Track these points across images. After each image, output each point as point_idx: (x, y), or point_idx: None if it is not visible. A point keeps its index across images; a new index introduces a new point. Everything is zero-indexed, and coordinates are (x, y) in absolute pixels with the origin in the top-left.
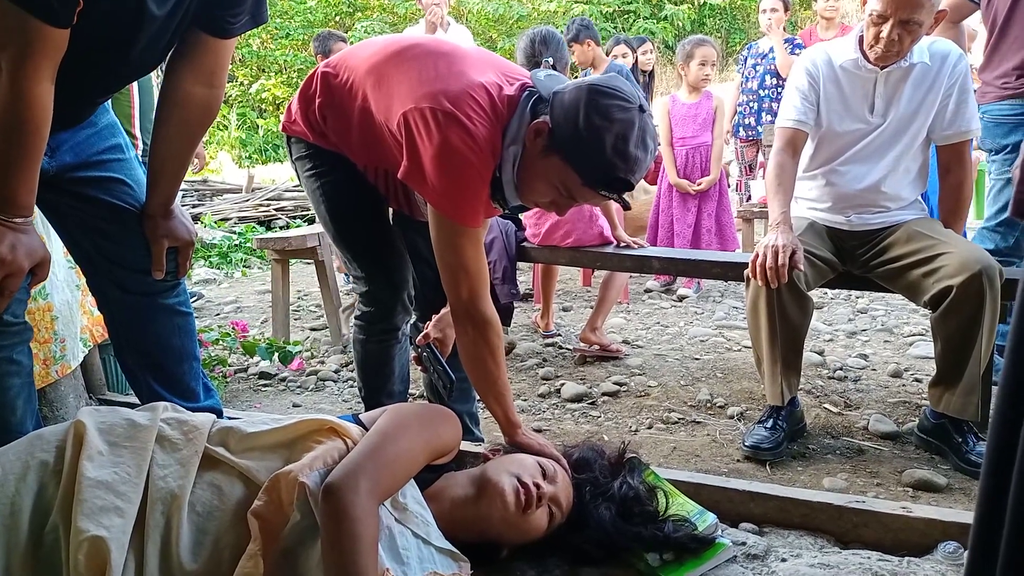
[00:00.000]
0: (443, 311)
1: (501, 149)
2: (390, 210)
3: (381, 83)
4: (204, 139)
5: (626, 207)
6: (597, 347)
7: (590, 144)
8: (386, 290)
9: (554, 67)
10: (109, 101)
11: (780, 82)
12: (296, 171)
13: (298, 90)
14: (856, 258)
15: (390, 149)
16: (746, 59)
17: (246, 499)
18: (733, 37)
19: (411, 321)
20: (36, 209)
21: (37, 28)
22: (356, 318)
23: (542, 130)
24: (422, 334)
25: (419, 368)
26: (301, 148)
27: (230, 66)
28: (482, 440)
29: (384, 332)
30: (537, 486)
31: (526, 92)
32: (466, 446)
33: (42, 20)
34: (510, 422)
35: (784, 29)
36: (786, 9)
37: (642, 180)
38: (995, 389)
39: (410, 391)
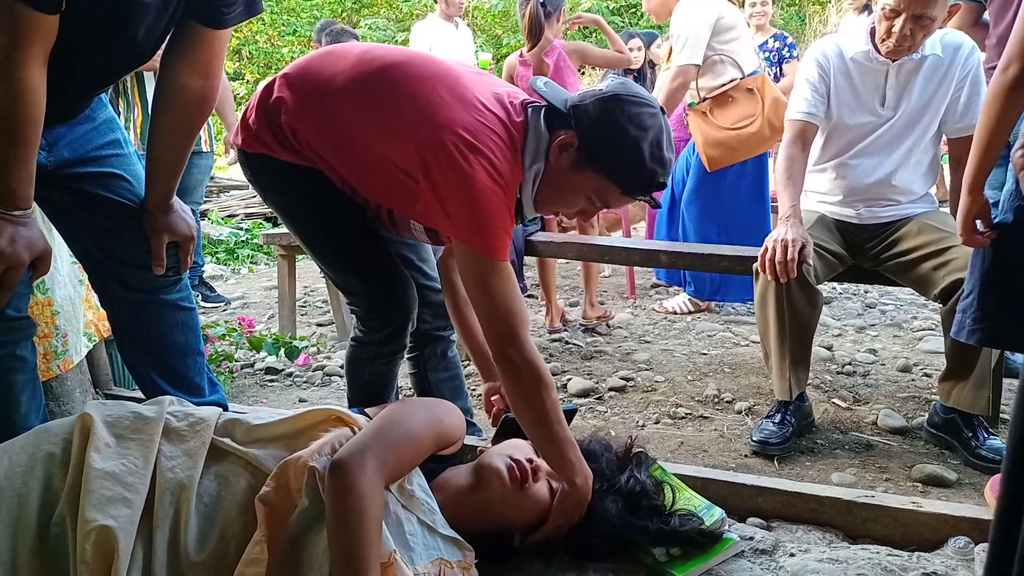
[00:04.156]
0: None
1: (522, 175)
2: None
3: (370, 104)
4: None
5: (655, 207)
6: (602, 318)
7: (630, 156)
8: (397, 308)
9: (544, 6)
10: (105, 95)
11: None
12: (265, 195)
13: (253, 103)
14: (866, 252)
15: (382, 176)
16: None
17: (253, 489)
18: None
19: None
20: (36, 204)
21: (25, 14)
22: (360, 341)
23: (570, 144)
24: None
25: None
26: (269, 167)
27: (237, 64)
28: (481, 433)
29: (394, 352)
30: (530, 460)
31: (530, 108)
32: (470, 440)
33: (29, 6)
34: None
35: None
36: (772, 1)
37: None
38: (1008, 384)
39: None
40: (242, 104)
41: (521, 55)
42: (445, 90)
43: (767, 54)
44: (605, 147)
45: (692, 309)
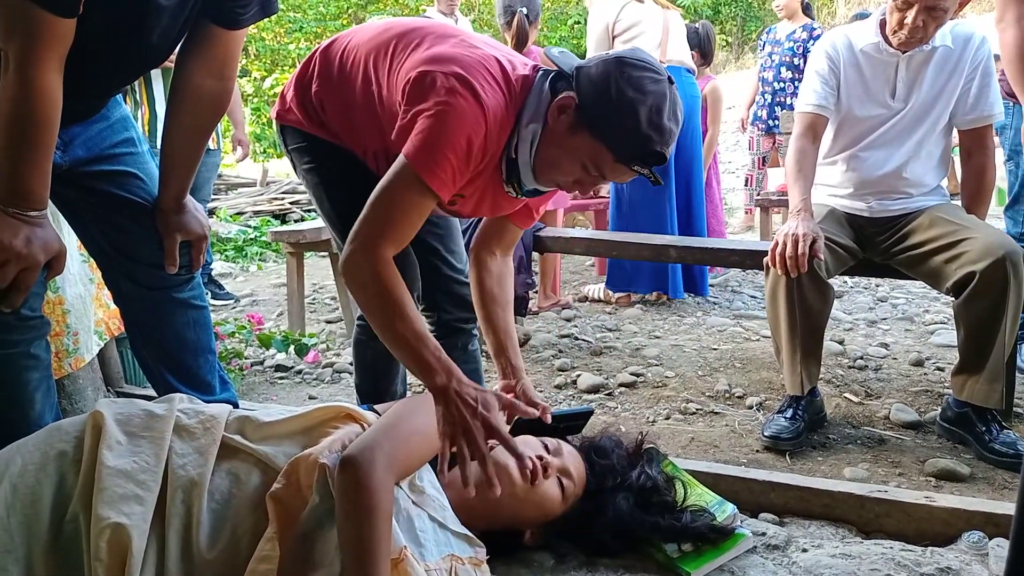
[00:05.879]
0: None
1: (513, 128)
2: None
3: (387, 62)
4: (247, 128)
5: (656, 183)
6: (556, 305)
7: (624, 118)
8: None
9: (527, 16)
10: (120, 94)
11: (796, 76)
12: (293, 162)
13: (293, 77)
14: (877, 245)
15: (378, 120)
16: (764, 44)
17: (264, 486)
18: (749, 25)
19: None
20: (50, 202)
21: (42, 18)
22: (365, 320)
23: (568, 106)
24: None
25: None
26: (297, 138)
27: (243, 61)
28: None
29: None
30: (540, 457)
31: (540, 72)
32: None
33: (47, 10)
34: (440, 372)
35: (806, 12)
36: None
37: None
38: (1021, 378)
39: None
40: (248, 101)
41: None
42: (454, 41)
43: (792, 44)
44: (600, 107)
45: (603, 298)
